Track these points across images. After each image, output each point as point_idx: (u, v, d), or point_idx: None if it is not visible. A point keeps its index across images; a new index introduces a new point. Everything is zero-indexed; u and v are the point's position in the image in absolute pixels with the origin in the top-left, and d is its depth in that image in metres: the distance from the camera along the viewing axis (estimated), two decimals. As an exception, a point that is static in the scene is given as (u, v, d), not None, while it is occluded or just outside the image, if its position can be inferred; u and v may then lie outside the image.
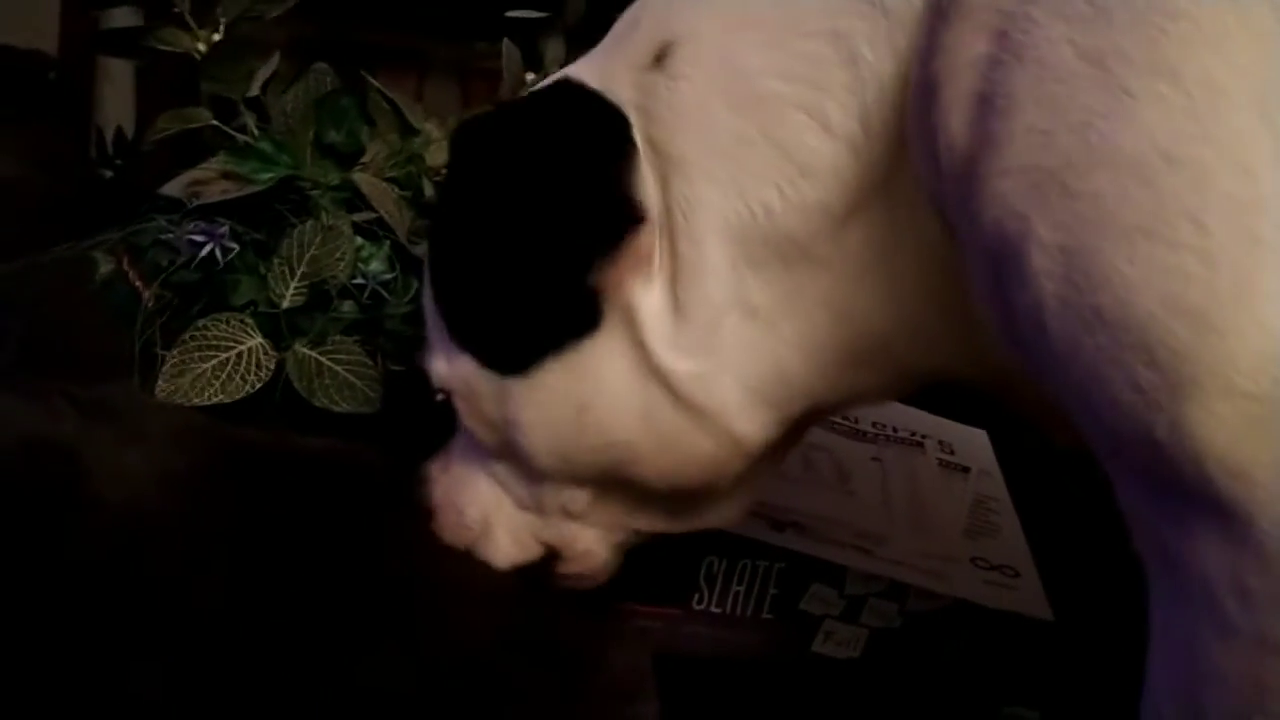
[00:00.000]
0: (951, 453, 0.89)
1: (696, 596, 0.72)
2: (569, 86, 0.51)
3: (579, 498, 0.56)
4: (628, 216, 0.48)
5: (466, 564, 0.58)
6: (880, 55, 0.44)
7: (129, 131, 1.02)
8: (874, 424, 0.91)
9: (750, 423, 0.51)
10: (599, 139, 0.49)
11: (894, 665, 0.74)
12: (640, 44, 0.49)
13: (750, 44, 0.47)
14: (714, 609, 0.72)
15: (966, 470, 0.86)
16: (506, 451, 0.55)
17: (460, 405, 0.55)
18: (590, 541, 0.58)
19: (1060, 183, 0.37)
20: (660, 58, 0.49)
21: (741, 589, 0.72)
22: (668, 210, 0.48)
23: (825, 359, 0.50)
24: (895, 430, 0.91)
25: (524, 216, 0.49)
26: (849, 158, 0.46)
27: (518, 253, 0.50)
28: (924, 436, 0.91)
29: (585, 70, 0.51)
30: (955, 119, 0.40)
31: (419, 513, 0.59)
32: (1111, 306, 0.36)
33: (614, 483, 0.54)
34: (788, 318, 0.49)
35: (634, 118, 0.49)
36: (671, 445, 0.51)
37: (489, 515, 0.58)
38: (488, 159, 0.51)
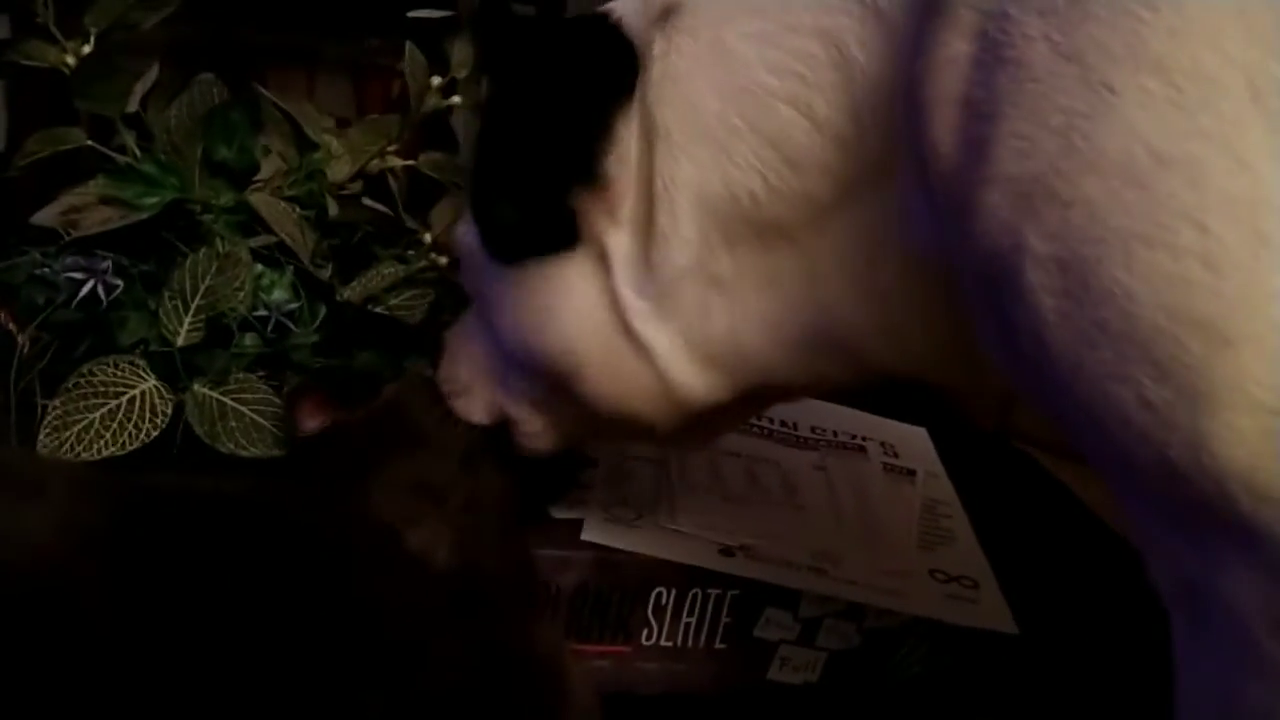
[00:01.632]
0: (895, 455, 0.86)
1: (646, 631, 0.67)
2: (603, 22, 0.51)
3: (539, 388, 0.58)
4: (599, 161, 0.50)
5: (408, 598, 0.53)
6: (871, 55, 0.43)
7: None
8: (813, 429, 0.87)
9: (690, 377, 0.52)
10: (604, 76, 0.50)
11: (853, 687, 0.70)
12: None
13: (742, 33, 0.46)
14: (665, 643, 0.68)
15: (913, 473, 0.83)
16: (488, 321, 0.58)
17: (463, 267, 0.60)
18: (542, 426, 0.61)
19: (1048, 191, 0.34)
20: (665, 14, 0.48)
21: (693, 620, 0.68)
22: (649, 172, 0.49)
23: (787, 340, 0.50)
24: (835, 434, 0.88)
25: (529, 126, 0.52)
26: (838, 153, 0.45)
27: (518, 155, 0.53)
28: (865, 439, 0.88)
29: (629, 5, 0.51)
30: (939, 125, 0.38)
31: (348, 552, 0.53)
32: (1115, 320, 0.34)
33: (566, 391, 0.55)
34: (756, 294, 0.49)
35: (641, 65, 0.49)
36: (615, 368, 0.52)
37: (472, 378, 0.62)
38: (521, 67, 0.54)
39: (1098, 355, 0.34)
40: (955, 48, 0.37)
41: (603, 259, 0.51)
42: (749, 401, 0.56)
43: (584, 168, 0.50)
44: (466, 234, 0.58)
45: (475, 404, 0.62)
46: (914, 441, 0.90)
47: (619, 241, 0.50)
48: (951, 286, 0.42)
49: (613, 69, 0.49)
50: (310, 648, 0.48)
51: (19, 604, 0.45)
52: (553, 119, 0.51)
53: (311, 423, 0.63)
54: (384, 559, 0.54)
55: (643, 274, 0.50)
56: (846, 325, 0.48)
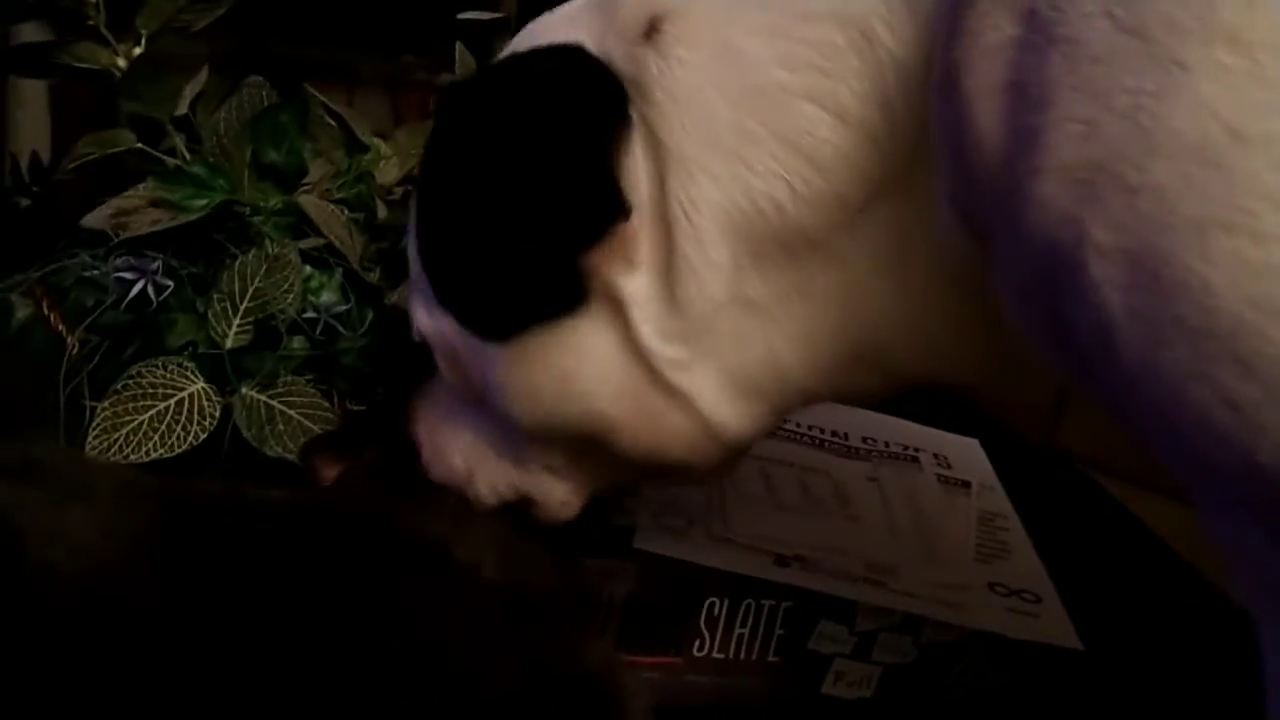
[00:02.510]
0: (949, 467, 0.84)
1: (697, 643, 0.66)
2: (569, 52, 0.47)
3: (558, 457, 0.55)
4: (613, 208, 0.46)
5: (459, 612, 0.51)
6: (900, 38, 0.40)
7: (45, 157, 0.94)
8: (864, 439, 0.86)
9: (730, 413, 0.49)
10: (596, 115, 0.45)
11: (909, 703, 0.68)
12: (629, 12, 0.45)
13: (748, 29, 0.43)
14: (716, 654, 0.66)
15: (967, 485, 0.81)
16: (486, 407, 0.54)
17: (440, 360, 0.55)
18: (567, 494, 0.57)
19: (1113, 177, 0.32)
20: (651, 31, 0.45)
21: (745, 631, 0.66)
22: (664, 202, 0.45)
23: (824, 355, 0.47)
24: (887, 445, 0.86)
25: (511, 190, 0.47)
26: (867, 148, 0.42)
27: (502, 225, 0.47)
28: (917, 450, 0.86)
29: (581, 31, 0.47)
30: (984, 114, 0.35)
31: (398, 563, 0.52)
32: (1191, 314, 0.31)
33: (593, 448, 0.52)
34: (789, 311, 0.46)
35: (629, 92, 0.45)
36: (650, 424, 0.50)
37: (471, 464, 0.58)
38: (479, 121, 0.48)
39: (1174, 353, 0.32)
40: (999, 30, 0.34)
41: (617, 308, 0.47)
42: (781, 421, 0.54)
43: (594, 223, 0.46)
44: (434, 324, 0.53)
45: (483, 490, 0.58)
46: (967, 453, 0.88)
47: (636, 287, 0.47)
48: (986, 286, 0.39)
49: (602, 105, 0.45)
50: (361, 661, 0.47)
51: (64, 607, 0.44)
52: (546, 183, 0.46)
53: (330, 472, 0.61)
54: (434, 572, 0.52)
55: (667, 316, 0.47)
56: (882, 333, 0.46)
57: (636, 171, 0.45)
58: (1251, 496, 0.33)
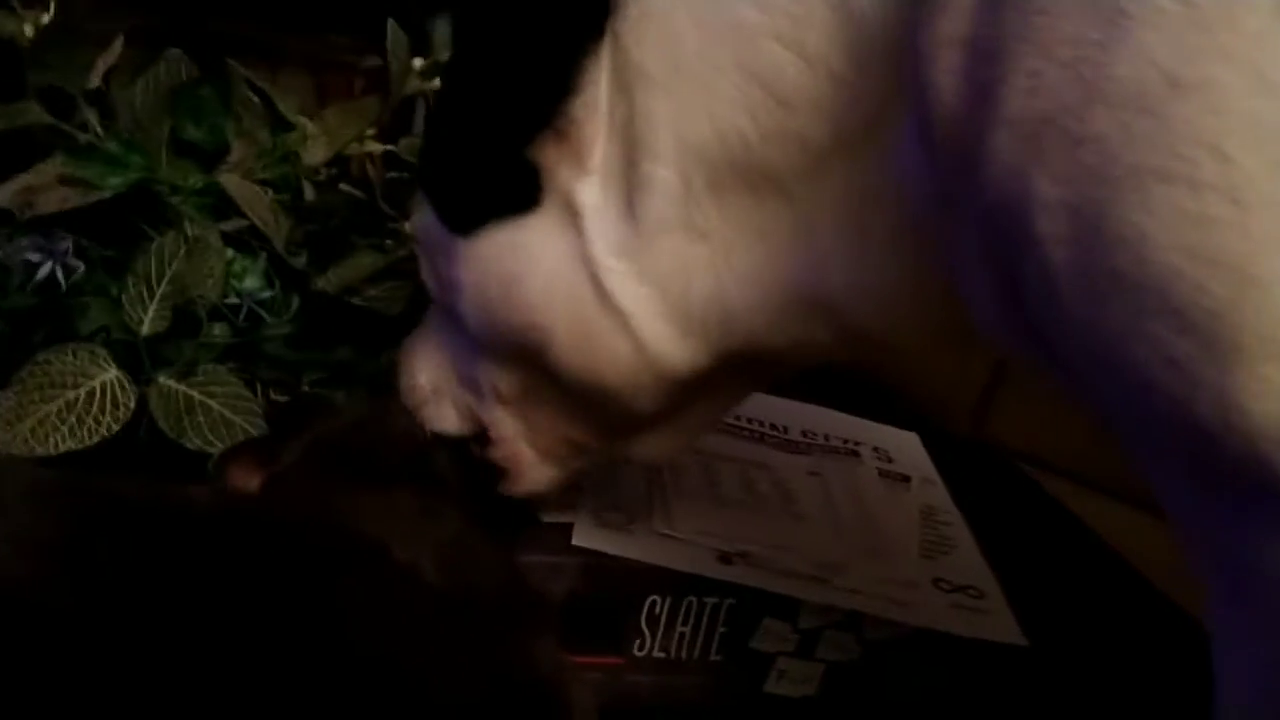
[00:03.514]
0: (889, 460, 0.83)
1: (638, 642, 0.64)
2: None
3: (509, 381, 0.55)
4: (560, 90, 0.46)
5: (401, 616, 0.49)
6: None
7: None
8: (804, 433, 0.84)
9: (668, 342, 0.48)
10: (572, 13, 0.45)
11: (852, 701, 0.67)
12: None
13: None
14: (658, 654, 0.64)
15: (908, 480, 0.81)
16: (451, 314, 0.55)
17: (420, 256, 0.56)
18: (513, 429, 0.57)
19: (1058, 130, 0.31)
20: None
21: (687, 630, 0.64)
22: (627, 116, 0.45)
23: (772, 298, 0.46)
24: (827, 438, 0.85)
25: (479, 77, 0.48)
26: (833, 92, 0.41)
27: (467, 111, 0.49)
28: (857, 443, 0.85)
29: None
30: (942, 70, 0.34)
31: (332, 565, 0.49)
32: (1129, 266, 0.30)
33: (538, 374, 0.52)
34: (741, 248, 0.46)
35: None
36: (588, 339, 0.49)
37: (438, 384, 0.59)
38: (472, 15, 0.49)
39: (1113, 310, 0.31)
40: None
41: (571, 215, 0.48)
42: (729, 379, 0.53)
43: (545, 113, 0.46)
44: (422, 218, 0.54)
45: (443, 411, 0.59)
46: (906, 446, 0.87)
47: (589, 193, 0.47)
48: (945, 249, 0.39)
49: (582, 8, 0.45)
50: (297, 671, 0.44)
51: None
52: (510, 64, 0.47)
53: (250, 482, 0.58)
54: (372, 574, 0.50)
55: (619, 228, 0.47)
56: (837, 285, 0.45)
57: (600, 80, 0.45)
58: (1194, 457, 0.31)
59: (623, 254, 0.47)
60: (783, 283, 0.45)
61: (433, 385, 0.59)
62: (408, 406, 0.60)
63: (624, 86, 0.45)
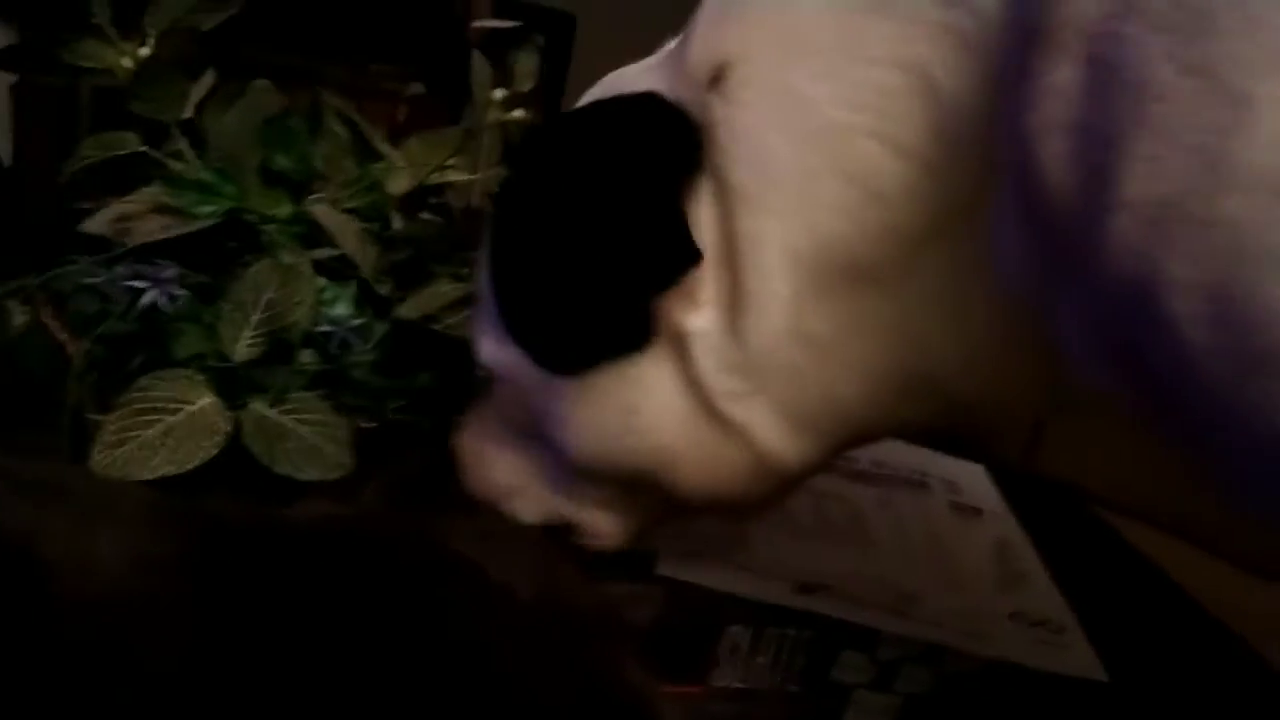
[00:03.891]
0: (959, 493, 0.83)
1: (717, 671, 0.64)
2: (647, 98, 0.48)
3: (610, 490, 0.56)
4: (688, 256, 0.47)
5: (505, 633, 0.49)
6: (960, 83, 0.40)
7: (5, 160, 0.92)
8: (873, 463, 0.85)
9: (786, 446, 0.49)
10: (672, 161, 0.46)
11: (928, 734, 0.67)
12: (697, 61, 0.46)
13: (809, 73, 0.44)
14: (736, 684, 0.65)
15: (979, 512, 0.81)
16: (542, 437, 0.55)
17: (501, 389, 0.57)
18: (614, 526, 0.59)
19: (1185, 213, 0.31)
20: (716, 79, 0.46)
21: (766, 660, 0.65)
22: (729, 241, 0.46)
23: (880, 387, 0.48)
24: (896, 470, 0.85)
25: (588, 234, 0.48)
26: (927, 182, 0.42)
27: (579, 268, 0.49)
28: (925, 474, 0.85)
29: (656, 80, 0.48)
30: (1051, 152, 0.35)
31: (438, 583, 0.50)
32: (1275, 345, 0.30)
33: (648, 483, 0.53)
34: (847, 344, 0.47)
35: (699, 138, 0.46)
36: (707, 458, 0.50)
37: (515, 482, 0.59)
38: (559, 163, 0.50)
39: (1257, 385, 0.31)
40: (1062, 74, 0.34)
41: (680, 344, 0.49)
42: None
43: (669, 271, 0.47)
44: (500, 354, 0.55)
45: (528, 507, 0.60)
46: (974, 479, 0.87)
47: (699, 323, 0.48)
48: (1047, 318, 0.39)
49: (678, 151, 0.46)
50: (409, 686, 0.45)
51: (95, 641, 0.41)
52: (623, 230, 0.48)
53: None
54: (470, 592, 0.51)
55: (727, 349, 0.48)
56: (938, 365, 0.46)
57: (702, 214, 0.46)
58: None
59: (733, 371, 0.48)
60: (889, 370, 0.47)
61: (511, 484, 0.60)
62: (479, 497, 0.61)
63: (724, 213, 0.46)
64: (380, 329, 0.68)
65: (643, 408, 0.50)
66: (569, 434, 0.53)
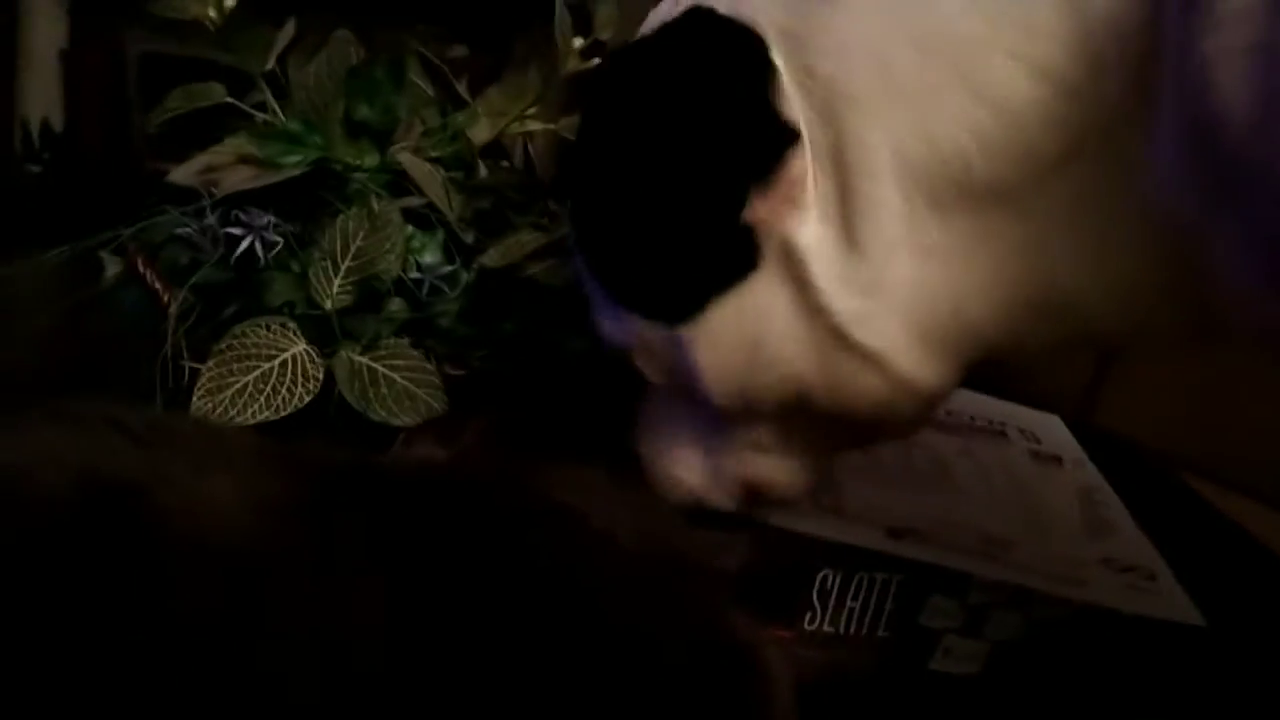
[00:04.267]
0: (1038, 441, 0.83)
1: (809, 616, 0.64)
2: (697, 13, 0.46)
3: (765, 433, 0.54)
4: (781, 138, 0.45)
5: (605, 584, 0.50)
6: (1111, 3, 0.39)
7: (56, 124, 0.93)
8: (948, 412, 0.84)
9: (920, 365, 0.47)
10: (738, 62, 0.45)
11: (1017, 680, 0.67)
12: None
13: None
14: (827, 628, 0.65)
15: (1059, 460, 0.80)
16: (689, 396, 0.53)
17: (640, 363, 0.54)
18: (786, 471, 0.56)
19: None
20: None
21: (856, 605, 0.65)
22: (837, 145, 0.44)
23: (1007, 306, 0.45)
24: (973, 419, 0.84)
25: (670, 158, 0.46)
26: (1064, 104, 0.40)
27: (668, 199, 0.47)
28: (1002, 424, 0.85)
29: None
30: (1232, 75, 0.34)
31: (538, 534, 0.50)
32: None
33: (795, 417, 0.51)
34: (970, 260, 0.45)
35: (778, 41, 0.44)
36: (841, 383, 0.48)
37: (700, 476, 0.57)
38: (624, 101, 0.48)
39: None
40: None
41: (789, 262, 0.46)
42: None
43: (758, 166, 0.45)
44: (620, 328, 0.53)
45: (717, 498, 0.58)
46: (1051, 428, 0.86)
47: (809, 235, 0.46)
48: (1197, 246, 0.38)
49: (742, 54, 0.45)
50: (501, 632, 0.45)
51: (213, 584, 0.41)
52: (706, 136, 0.46)
53: (435, 456, 0.60)
54: (571, 539, 0.51)
55: (844, 262, 0.45)
56: (1071, 285, 0.44)
57: (793, 113, 0.44)
58: None
59: (855, 290, 0.46)
60: (1014, 289, 0.45)
61: (696, 482, 0.58)
62: (679, 507, 0.59)
63: (828, 115, 0.44)
64: (466, 277, 0.68)
65: (765, 338, 0.48)
66: (706, 383, 0.51)
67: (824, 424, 0.51)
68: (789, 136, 0.44)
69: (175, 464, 0.45)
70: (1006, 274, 0.44)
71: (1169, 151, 0.38)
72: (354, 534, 0.45)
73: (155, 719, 0.38)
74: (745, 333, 0.48)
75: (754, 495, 0.57)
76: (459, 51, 0.97)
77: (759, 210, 0.46)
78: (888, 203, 0.44)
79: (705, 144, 0.45)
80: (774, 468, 0.56)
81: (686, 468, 0.57)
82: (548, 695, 0.43)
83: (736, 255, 0.47)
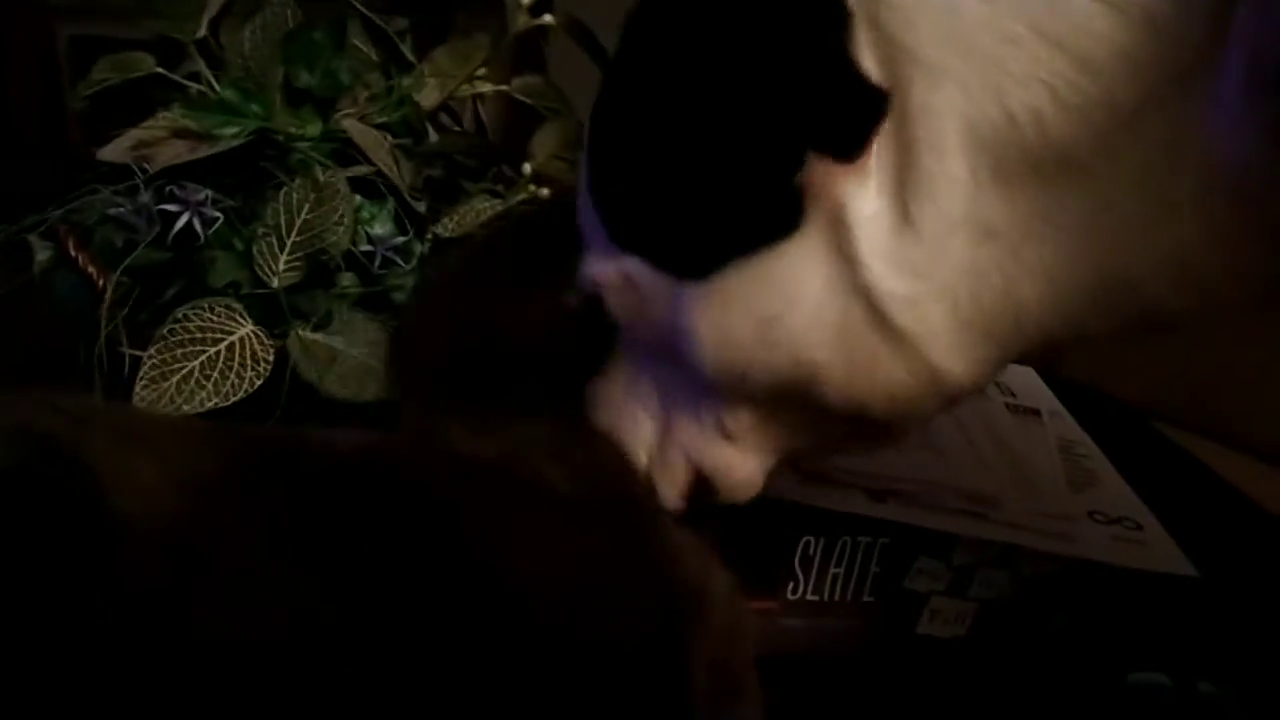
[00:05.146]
0: (1013, 395, 0.81)
1: (792, 585, 0.62)
2: None
3: (742, 418, 0.49)
4: (860, 98, 0.39)
5: (548, 553, 0.47)
6: None
7: None
8: (923, 370, 0.82)
9: (957, 359, 0.42)
10: (816, 4, 0.39)
11: (1006, 639, 0.66)
12: None
13: None
14: (811, 596, 0.63)
15: (1037, 413, 0.78)
16: (668, 357, 0.48)
17: (618, 304, 0.48)
18: (745, 468, 0.51)
19: None
20: None
21: (840, 571, 0.63)
22: (900, 109, 0.39)
23: (1064, 290, 0.41)
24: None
25: (724, 97, 0.41)
26: (1145, 42, 0.36)
27: (712, 140, 0.41)
28: (978, 378, 0.83)
29: None
30: None
31: (476, 504, 0.48)
32: None
33: (786, 404, 0.47)
34: (1033, 241, 0.40)
35: None
36: (863, 371, 0.43)
37: (653, 455, 0.52)
38: (680, 21, 0.42)
39: None
40: None
41: (839, 233, 0.41)
42: None
43: (831, 126, 0.40)
44: (609, 266, 0.47)
45: (665, 485, 0.53)
46: (1027, 380, 0.85)
47: (863, 204, 0.41)
48: (1268, 203, 0.35)
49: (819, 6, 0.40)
50: (436, 600, 0.43)
51: (142, 561, 0.39)
52: (771, 76, 0.40)
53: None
54: (500, 493, 0.48)
55: (900, 240, 0.41)
56: (1133, 260, 0.40)
57: (873, 74, 0.39)
58: None
59: (904, 271, 0.41)
60: (1074, 271, 0.40)
61: (651, 458, 0.53)
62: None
63: (892, 74, 0.39)
64: (420, 248, 0.65)
65: (787, 314, 0.43)
66: (699, 349, 0.45)
67: (816, 417, 0.46)
68: (871, 97, 0.39)
69: (105, 442, 0.42)
70: (1066, 253, 0.40)
71: (1237, 101, 0.35)
72: (278, 510, 0.43)
73: (90, 693, 0.36)
74: (764, 302, 0.43)
75: (700, 486, 0.52)
76: (400, 24, 0.94)
77: (817, 172, 0.41)
78: (953, 178, 0.40)
79: (769, 88, 0.40)
80: (734, 459, 0.50)
81: (635, 439, 0.52)
82: (477, 661, 0.42)
83: (778, 216, 0.42)
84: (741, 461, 0.51)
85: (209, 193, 0.58)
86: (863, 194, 0.41)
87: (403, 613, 0.42)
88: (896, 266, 0.41)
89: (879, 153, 0.40)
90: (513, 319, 0.57)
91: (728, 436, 0.50)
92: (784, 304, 0.43)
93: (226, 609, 0.39)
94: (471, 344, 0.57)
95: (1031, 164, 0.39)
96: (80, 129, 0.69)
